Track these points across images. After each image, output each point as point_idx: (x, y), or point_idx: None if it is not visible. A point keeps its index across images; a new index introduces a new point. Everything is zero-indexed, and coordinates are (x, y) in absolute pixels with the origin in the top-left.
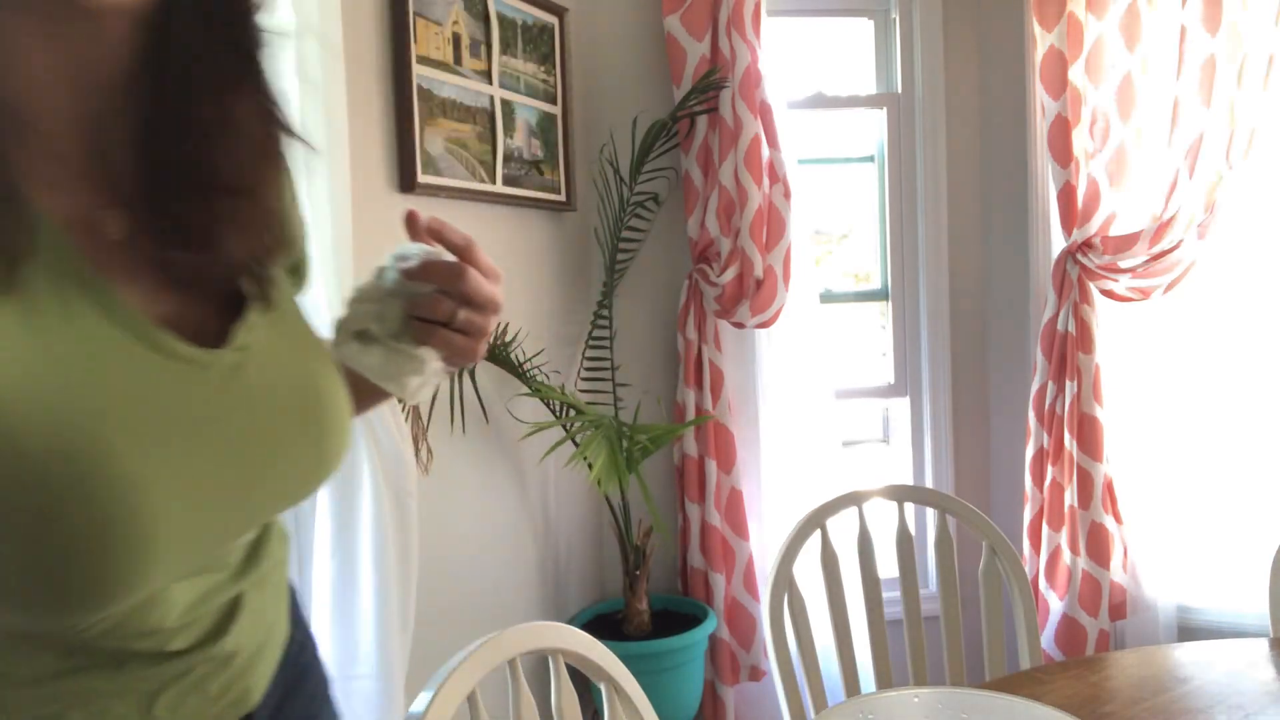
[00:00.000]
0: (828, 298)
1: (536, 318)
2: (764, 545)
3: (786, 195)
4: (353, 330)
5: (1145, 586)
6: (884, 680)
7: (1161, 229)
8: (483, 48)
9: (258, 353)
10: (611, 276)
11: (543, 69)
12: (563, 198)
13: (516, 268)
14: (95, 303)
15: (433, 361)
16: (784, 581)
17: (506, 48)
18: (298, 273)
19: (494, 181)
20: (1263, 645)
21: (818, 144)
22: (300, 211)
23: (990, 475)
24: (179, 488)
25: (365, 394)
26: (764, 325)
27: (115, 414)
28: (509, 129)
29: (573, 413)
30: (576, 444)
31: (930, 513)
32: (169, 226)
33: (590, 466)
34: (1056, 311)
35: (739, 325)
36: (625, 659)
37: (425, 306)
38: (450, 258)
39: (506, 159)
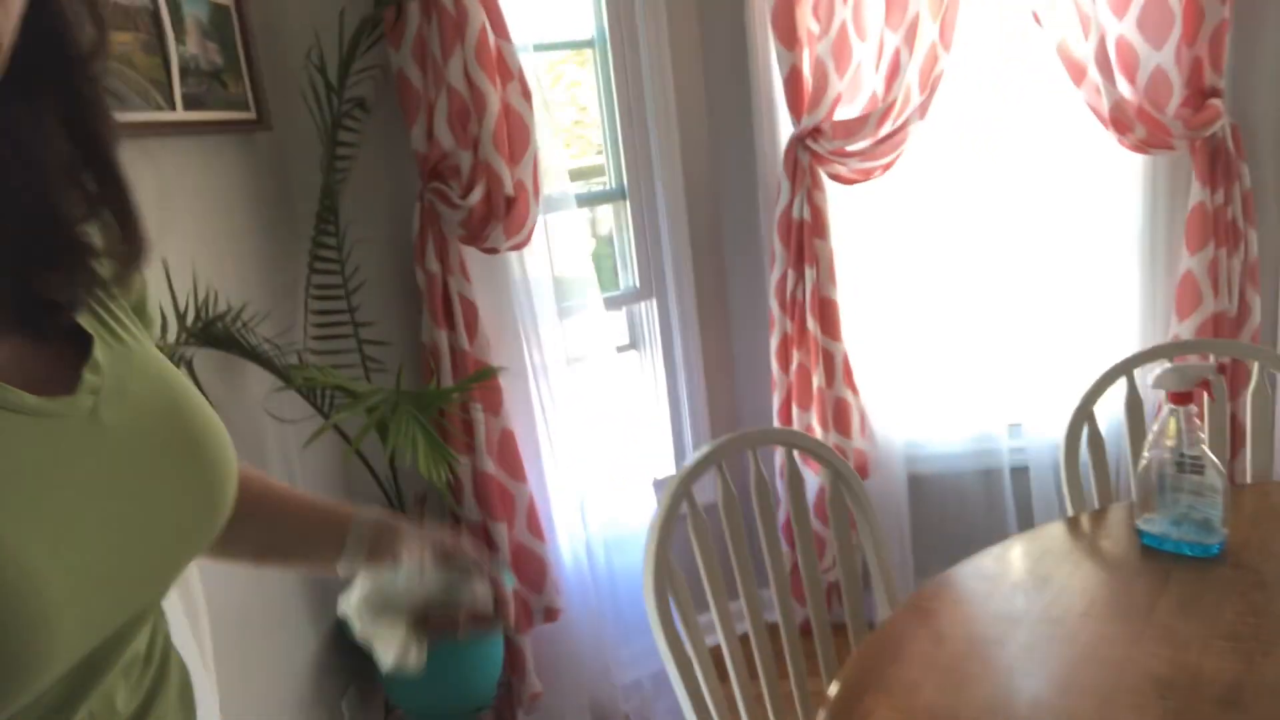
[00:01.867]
0: (558, 204)
1: (243, 273)
2: (543, 483)
3: (525, 95)
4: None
5: (880, 447)
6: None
7: (887, 111)
8: None
9: (112, 392)
10: (336, 208)
11: None
12: (253, 114)
13: (208, 210)
14: None
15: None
16: (664, 570)
17: None
18: (143, 313)
19: (173, 107)
20: (1060, 529)
21: (530, 29)
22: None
23: (734, 366)
24: (59, 548)
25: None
26: (518, 247)
27: None
28: (179, 32)
29: (331, 396)
30: (341, 431)
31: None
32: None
33: (410, 456)
34: (791, 199)
35: (491, 251)
36: None
37: (446, 625)
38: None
39: (183, 73)
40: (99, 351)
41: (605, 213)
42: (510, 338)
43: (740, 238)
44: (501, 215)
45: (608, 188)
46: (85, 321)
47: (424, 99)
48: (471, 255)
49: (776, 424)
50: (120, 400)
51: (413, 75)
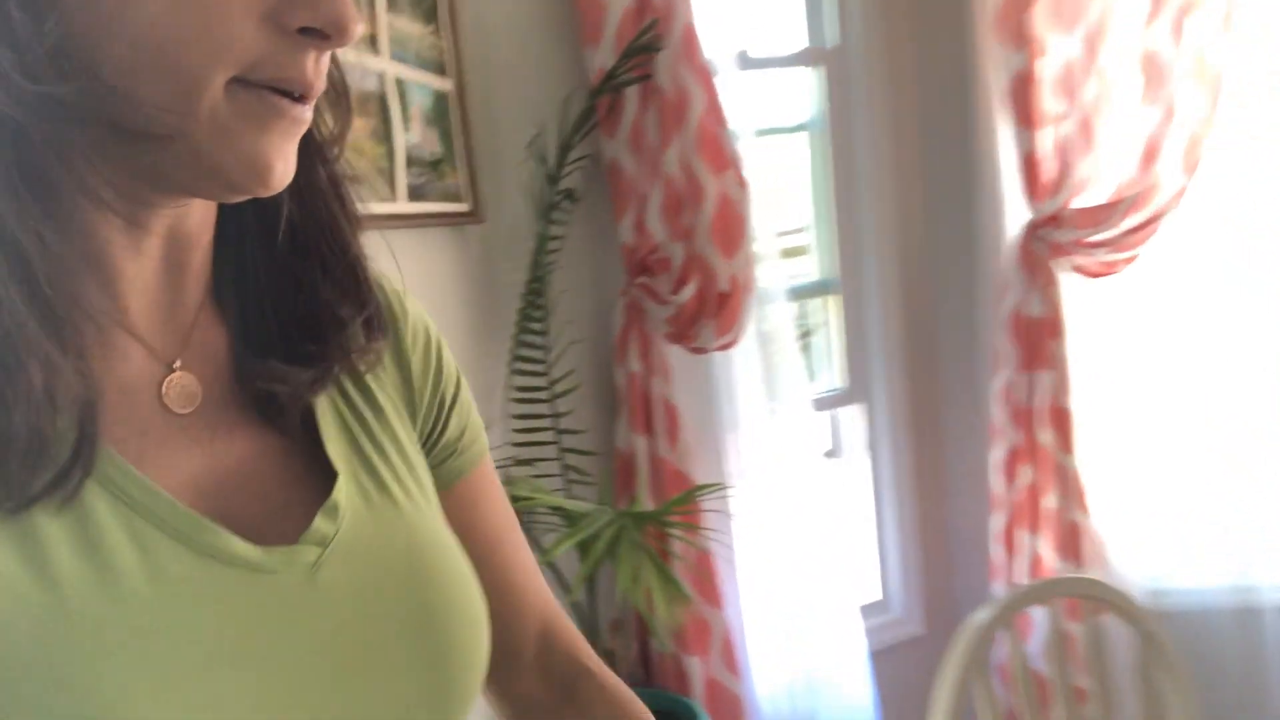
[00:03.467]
0: (767, 297)
1: None
2: (739, 610)
3: (742, 184)
4: None
5: (1116, 579)
6: None
7: (1141, 197)
8: (363, 2)
9: (344, 546)
10: (545, 305)
11: (430, 29)
12: (468, 206)
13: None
14: (120, 499)
15: None
16: None
17: (391, 2)
18: (447, 453)
19: (396, 197)
20: None
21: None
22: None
23: (948, 479)
24: None
25: None
26: (726, 346)
27: (138, 650)
28: (405, 120)
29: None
30: (544, 548)
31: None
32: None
33: (642, 597)
34: (1023, 295)
35: (699, 351)
36: None
37: None
38: None
39: (407, 163)
40: (342, 491)
41: (806, 306)
42: (711, 444)
43: (958, 337)
44: (714, 312)
45: (815, 280)
46: (337, 451)
47: (635, 189)
48: (673, 355)
49: (999, 547)
50: (350, 558)
51: (626, 164)
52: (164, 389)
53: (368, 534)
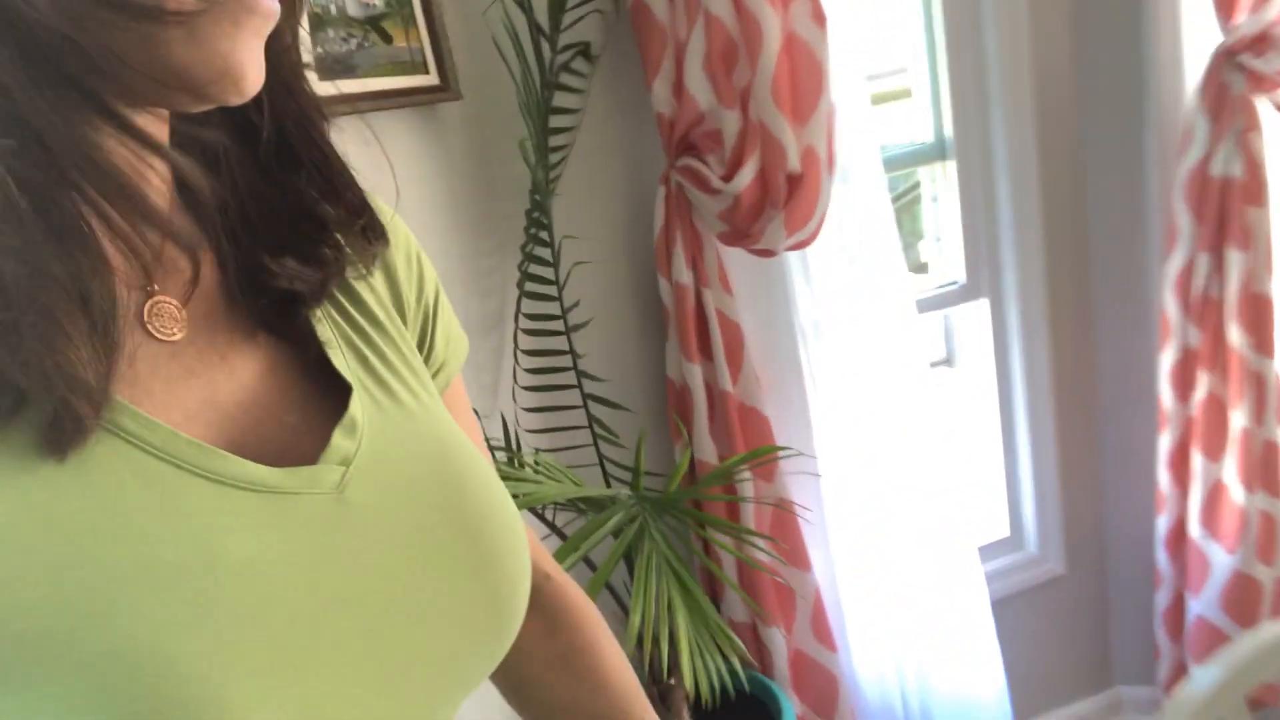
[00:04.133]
0: (854, 170)
1: None
2: (831, 568)
3: (818, 17)
4: None
5: None
6: None
7: None
8: None
9: (367, 461)
10: (548, 207)
11: None
12: (433, 78)
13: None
14: (118, 435)
15: None
16: None
17: None
18: (431, 350)
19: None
20: None
21: None
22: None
23: (1099, 392)
24: (272, 679)
25: None
26: (801, 244)
27: (157, 587)
28: None
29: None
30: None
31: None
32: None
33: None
34: (1210, 147)
35: (765, 253)
36: None
37: None
38: None
39: (318, 23)
40: (357, 405)
41: (910, 175)
42: (786, 370)
43: (1119, 208)
44: (782, 202)
45: (922, 141)
46: (344, 364)
47: (672, 37)
48: (734, 258)
49: (1164, 475)
50: (376, 472)
51: (656, 4)
52: (145, 316)
53: (390, 446)
